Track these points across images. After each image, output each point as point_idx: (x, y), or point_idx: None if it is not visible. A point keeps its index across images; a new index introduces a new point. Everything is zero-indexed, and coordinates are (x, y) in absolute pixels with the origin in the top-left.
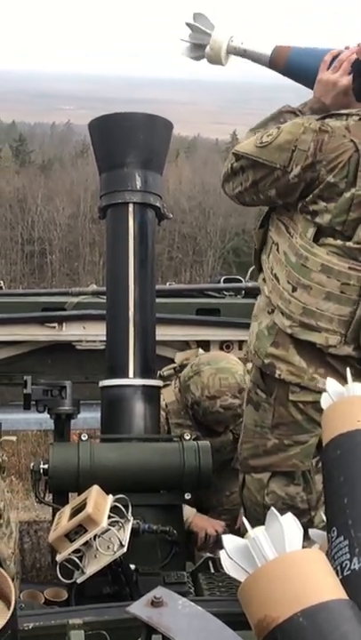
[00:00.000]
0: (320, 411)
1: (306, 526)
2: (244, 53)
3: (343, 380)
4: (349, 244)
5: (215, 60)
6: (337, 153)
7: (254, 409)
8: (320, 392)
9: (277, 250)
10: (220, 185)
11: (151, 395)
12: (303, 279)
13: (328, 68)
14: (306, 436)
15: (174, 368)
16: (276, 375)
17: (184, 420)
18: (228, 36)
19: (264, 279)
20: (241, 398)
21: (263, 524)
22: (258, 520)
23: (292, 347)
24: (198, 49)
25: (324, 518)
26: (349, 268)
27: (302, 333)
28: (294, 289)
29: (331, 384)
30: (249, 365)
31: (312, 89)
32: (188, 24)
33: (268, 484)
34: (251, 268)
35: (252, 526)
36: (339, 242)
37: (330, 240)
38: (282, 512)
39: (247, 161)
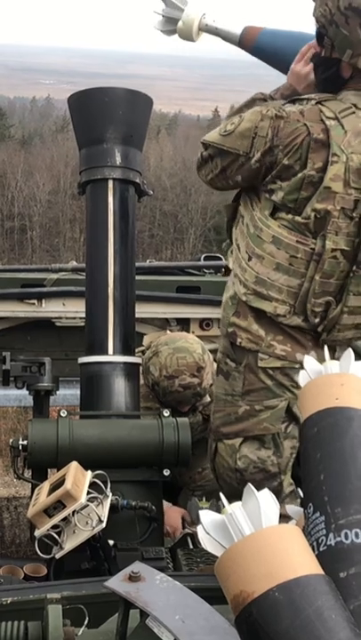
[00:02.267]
0: (288, 375)
1: (276, 489)
2: (215, 31)
3: (302, 347)
4: (298, 218)
5: (186, 35)
6: (292, 137)
7: (224, 378)
8: (279, 358)
9: (242, 222)
10: (197, 171)
11: (130, 372)
12: (257, 249)
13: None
14: (276, 400)
15: (142, 351)
16: (237, 343)
17: (152, 403)
18: (201, 12)
19: (231, 251)
20: (200, 377)
21: (236, 488)
22: (231, 485)
23: (250, 316)
24: (171, 23)
25: (292, 481)
26: (297, 241)
27: (255, 301)
28: (250, 258)
29: (308, 362)
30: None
31: (280, 70)
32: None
33: (239, 449)
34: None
35: (228, 492)
36: (289, 216)
37: (282, 214)
38: (254, 475)
39: (214, 149)
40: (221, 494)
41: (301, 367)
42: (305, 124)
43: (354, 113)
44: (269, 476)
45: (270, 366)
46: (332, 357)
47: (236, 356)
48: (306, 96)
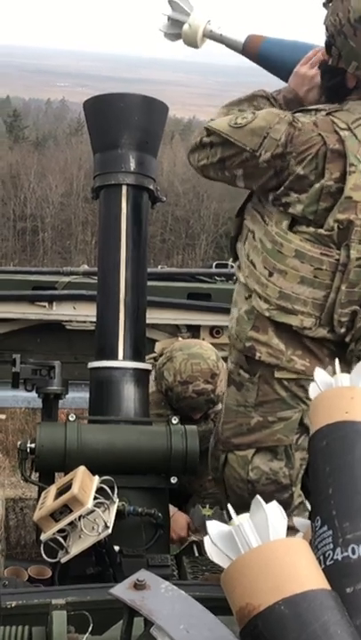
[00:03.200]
0: (303, 387)
1: (287, 501)
2: (219, 38)
3: (320, 361)
4: (321, 231)
5: (191, 40)
6: (306, 146)
7: (237, 389)
8: (298, 372)
9: (253, 237)
10: (187, 155)
11: (140, 378)
12: (279, 264)
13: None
14: (289, 412)
15: (154, 358)
16: (257, 357)
17: (164, 410)
18: (206, 19)
19: (239, 266)
20: (213, 384)
21: (246, 499)
22: (241, 496)
23: (270, 330)
24: (176, 27)
25: (301, 493)
26: (321, 253)
27: (279, 316)
28: (271, 274)
29: (319, 374)
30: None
31: (281, 79)
32: (169, 1)
33: (252, 460)
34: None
35: (236, 502)
36: (311, 229)
37: (303, 228)
38: (266, 487)
39: (218, 138)
40: (229, 505)
41: None
42: (320, 134)
43: None
44: (281, 487)
45: (286, 377)
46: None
47: (249, 367)
48: (314, 107)
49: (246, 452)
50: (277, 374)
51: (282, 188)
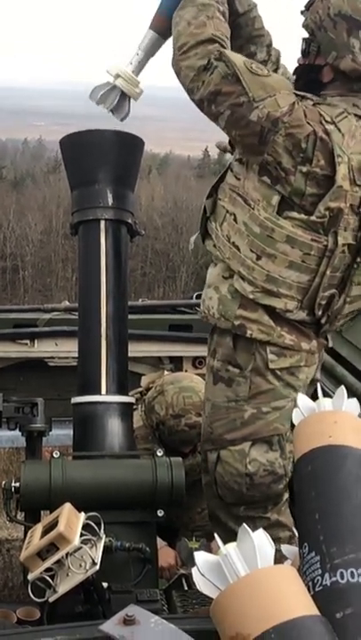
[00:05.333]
0: (294, 375)
1: (281, 492)
2: (144, 58)
3: (305, 336)
4: (313, 218)
5: (132, 84)
6: (299, 124)
7: (226, 385)
8: (286, 348)
9: (234, 220)
10: (177, 66)
11: (124, 411)
12: (268, 248)
13: None
14: (283, 401)
15: (140, 392)
16: (248, 334)
17: (152, 444)
18: (120, 64)
19: (215, 245)
20: None
21: (243, 494)
22: (239, 492)
23: (260, 308)
24: (112, 94)
25: None
26: (312, 239)
27: (263, 298)
28: (259, 257)
29: (301, 399)
30: None
31: None
32: (94, 95)
33: (249, 453)
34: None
35: (232, 497)
36: (303, 216)
37: (294, 214)
38: (263, 478)
39: (227, 69)
40: (216, 535)
41: (307, 353)
42: (309, 123)
43: (347, 117)
44: (277, 478)
45: (279, 367)
46: (326, 348)
47: (240, 361)
48: (301, 93)
49: (243, 446)
50: (271, 365)
51: (270, 158)
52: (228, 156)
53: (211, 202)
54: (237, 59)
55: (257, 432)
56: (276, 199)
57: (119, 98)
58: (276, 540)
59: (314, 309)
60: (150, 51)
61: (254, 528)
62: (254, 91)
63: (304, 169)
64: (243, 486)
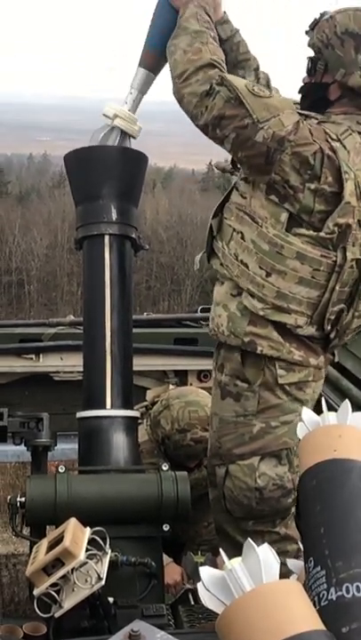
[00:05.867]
0: (302, 390)
1: (290, 506)
2: (138, 95)
3: (313, 352)
4: (322, 234)
5: (131, 122)
6: (306, 142)
7: (234, 400)
8: (295, 364)
9: (242, 238)
10: (182, 89)
11: (129, 425)
12: (278, 265)
13: None
14: (292, 415)
15: (146, 406)
16: (258, 351)
17: (157, 459)
18: (115, 105)
19: (222, 264)
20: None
21: (252, 508)
22: (248, 506)
23: (270, 325)
24: (112, 134)
25: None
26: (321, 255)
27: (274, 315)
28: (268, 274)
29: (306, 413)
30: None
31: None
32: (94, 140)
33: (258, 467)
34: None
35: (241, 511)
36: (312, 232)
37: (303, 230)
38: (273, 492)
39: (229, 93)
40: (221, 550)
41: (315, 368)
42: (315, 141)
43: (351, 135)
44: (286, 492)
45: (288, 382)
46: (332, 362)
47: (248, 376)
48: (305, 112)
49: (251, 460)
50: (281, 380)
51: (277, 177)
52: (233, 176)
53: (217, 221)
54: (239, 82)
55: (266, 446)
56: (284, 216)
57: (120, 137)
58: (284, 554)
59: (323, 324)
60: (143, 88)
61: (263, 542)
62: (258, 112)
63: (312, 186)
64: (252, 500)
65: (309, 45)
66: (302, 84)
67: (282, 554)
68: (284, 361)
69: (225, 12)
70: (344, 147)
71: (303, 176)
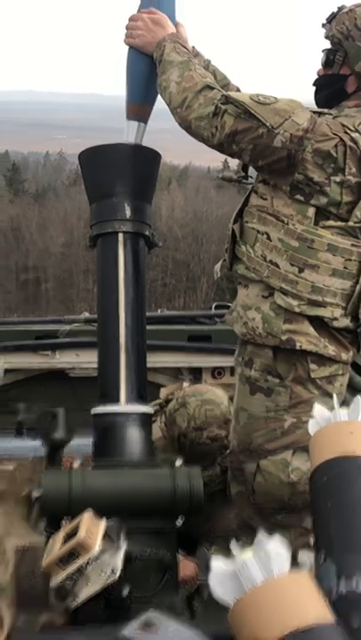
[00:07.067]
0: (332, 383)
1: None
2: (142, 127)
3: (344, 347)
4: (350, 223)
5: (141, 132)
6: (326, 137)
7: (266, 395)
8: (328, 358)
9: (268, 239)
10: (187, 116)
11: (143, 421)
12: (311, 259)
13: None
14: None
15: (160, 404)
16: (298, 347)
17: (171, 455)
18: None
19: (247, 268)
20: (227, 429)
21: (285, 503)
22: (280, 501)
23: (306, 320)
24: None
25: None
26: (352, 245)
27: (311, 310)
28: (301, 270)
29: (318, 410)
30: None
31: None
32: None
33: (291, 462)
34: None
35: (273, 505)
36: (340, 223)
37: (331, 222)
38: (306, 487)
39: (236, 109)
40: (233, 543)
41: (344, 363)
42: (335, 134)
43: None
44: None
45: (320, 376)
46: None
47: (280, 371)
48: (319, 110)
49: (284, 455)
50: (313, 374)
51: (301, 177)
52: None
53: (238, 226)
54: (243, 96)
55: (298, 441)
56: (311, 211)
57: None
58: (307, 546)
59: (358, 315)
60: (138, 138)
61: (289, 535)
62: (270, 119)
63: (338, 179)
64: (285, 495)
65: (327, 37)
66: (317, 77)
67: (305, 547)
68: (317, 355)
69: (193, 47)
70: None
71: (327, 170)
